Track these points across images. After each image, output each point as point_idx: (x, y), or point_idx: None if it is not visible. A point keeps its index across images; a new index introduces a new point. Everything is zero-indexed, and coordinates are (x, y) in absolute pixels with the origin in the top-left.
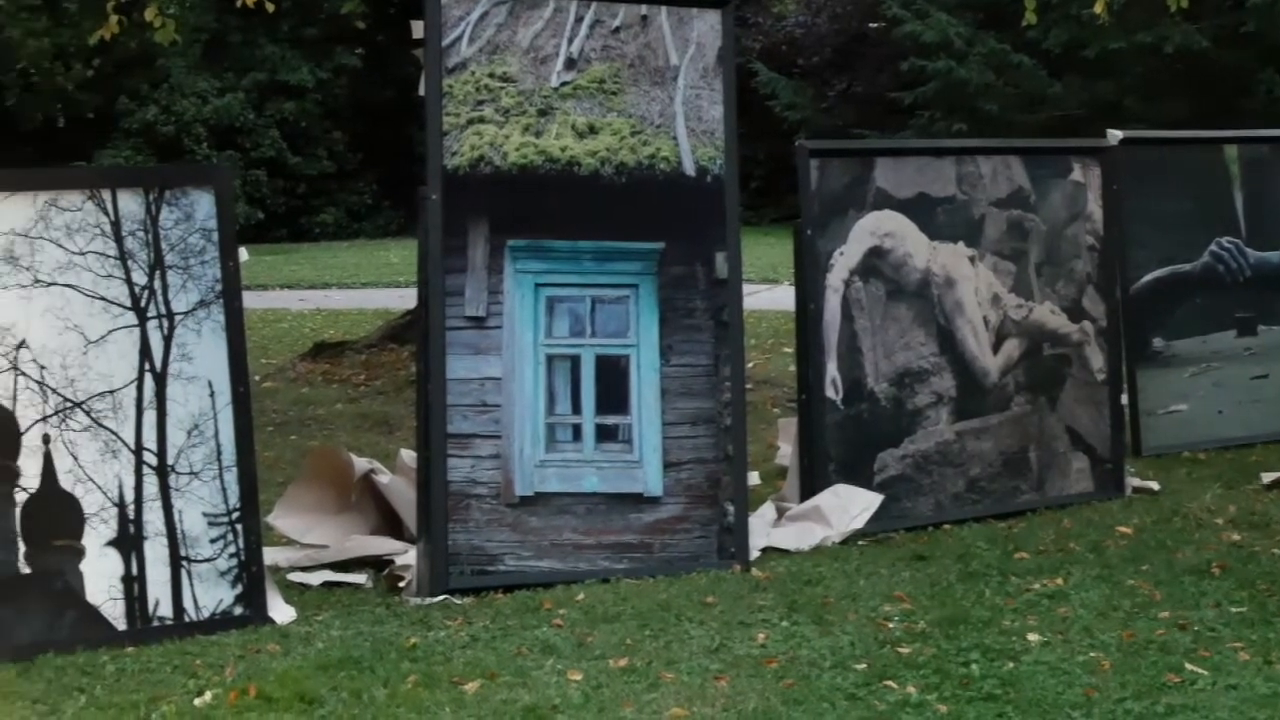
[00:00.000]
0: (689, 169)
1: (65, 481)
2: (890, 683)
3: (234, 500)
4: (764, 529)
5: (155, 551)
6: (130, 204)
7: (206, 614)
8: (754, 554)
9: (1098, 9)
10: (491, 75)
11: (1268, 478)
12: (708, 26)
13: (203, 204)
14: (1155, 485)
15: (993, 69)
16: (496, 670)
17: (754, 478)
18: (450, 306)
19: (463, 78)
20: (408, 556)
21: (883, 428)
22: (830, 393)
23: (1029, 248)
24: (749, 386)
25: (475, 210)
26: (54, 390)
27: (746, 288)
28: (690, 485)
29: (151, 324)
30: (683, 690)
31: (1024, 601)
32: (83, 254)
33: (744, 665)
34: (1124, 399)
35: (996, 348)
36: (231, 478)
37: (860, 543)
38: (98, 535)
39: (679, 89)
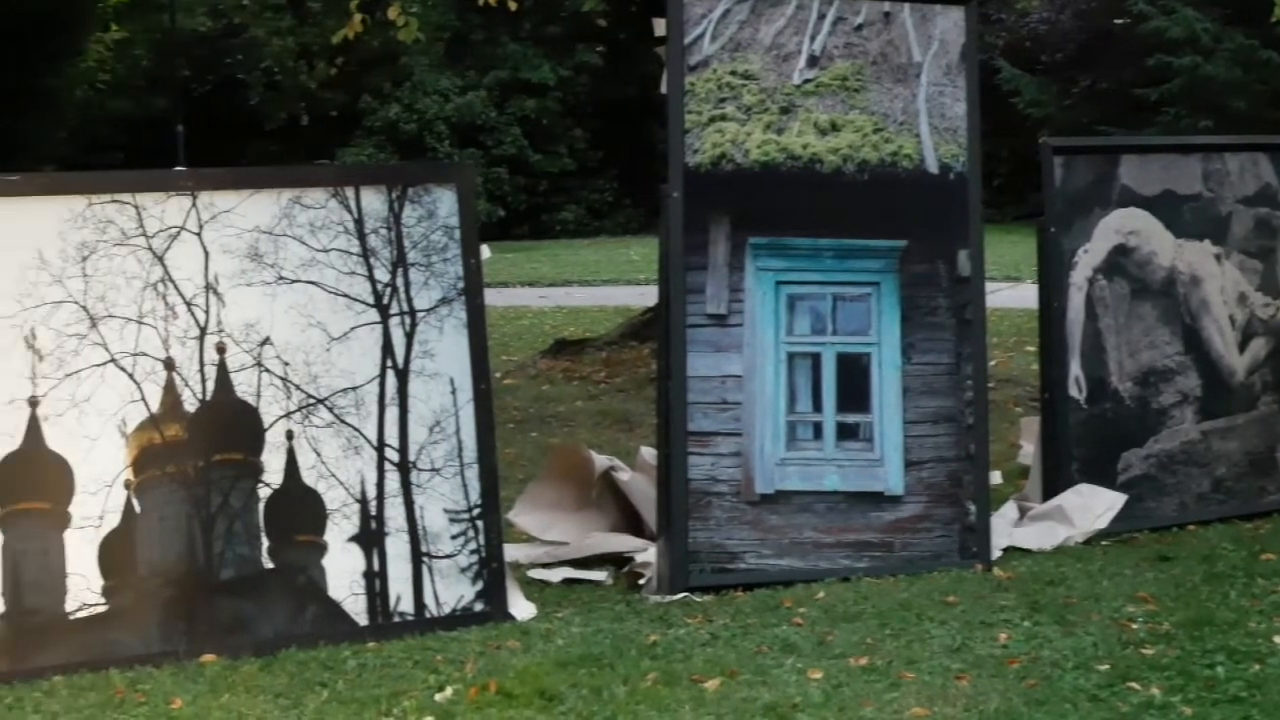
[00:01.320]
0: (932, 166)
1: (308, 477)
2: (1134, 684)
3: (475, 497)
4: (1006, 528)
5: (397, 547)
6: (373, 201)
7: (447, 610)
8: (996, 553)
9: None
10: (733, 73)
11: None
12: (951, 23)
13: (445, 201)
14: None
15: (1240, 65)
16: (736, 668)
17: (996, 477)
18: (691, 304)
19: (704, 75)
20: (648, 554)
21: (1127, 427)
22: (1074, 391)
23: (1277, 246)
24: (991, 385)
25: (716, 208)
26: (297, 387)
27: (989, 285)
28: (932, 484)
29: (394, 321)
30: (924, 690)
31: (1270, 604)
32: (326, 251)
33: (986, 665)
34: None
35: (1243, 346)
36: (473, 474)
37: (1103, 543)
38: (340, 531)
39: (922, 86)
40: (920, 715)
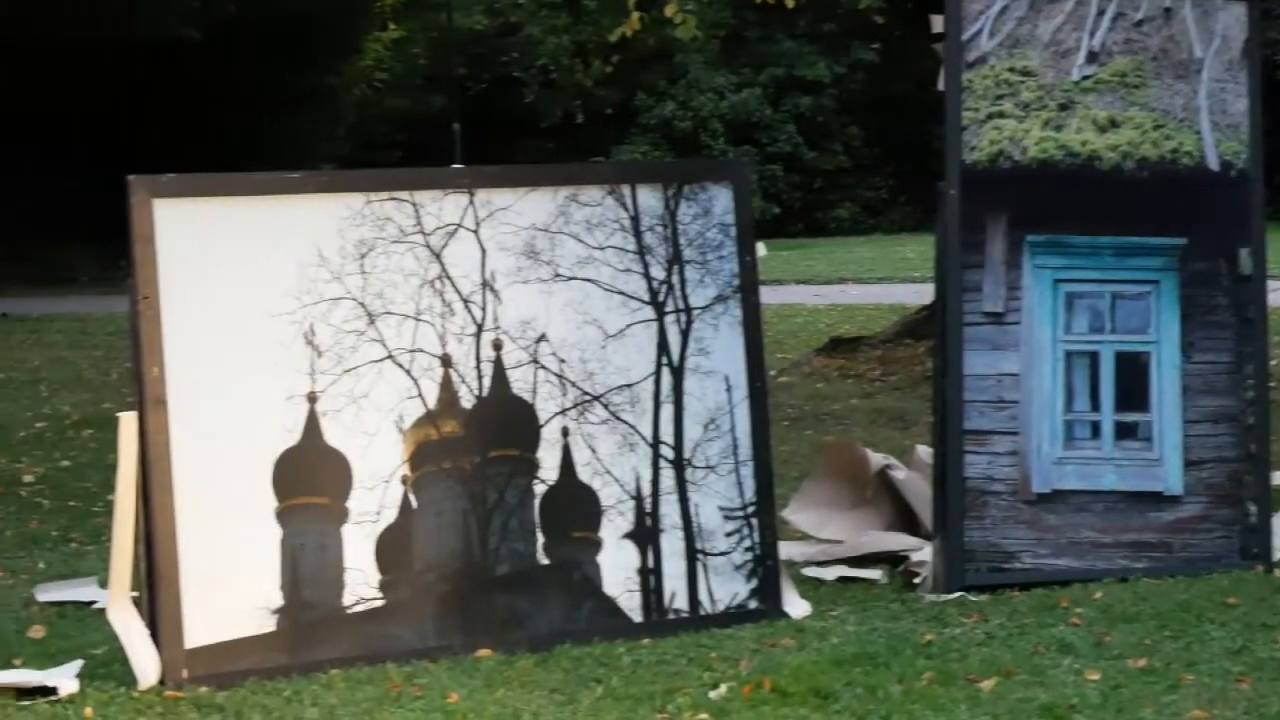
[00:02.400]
0: (1212, 163)
1: (583, 474)
2: None
3: (749, 494)
4: None
5: (671, 544)
6: (649, 199)
7: (721, 607)
8: (1278, 555)
9: None
10: (1011, 69)
11: None
12: (1233, 19)
13: (721, 199)
14: None
15: None
16: (1013, 668)
17: (1278, 477)
18: (968, 302)
19: (982, 72)
20: (923, 553)
21: None
22: None
23: None
24: (1272, 384)
25: (994, 205)
26: (573, 384)
27: (1271, 284)
28: (1212, 484)
29: (669, 318)
30: (1203, 692)
31: None
32: (602, 249)
33: (1267, 668)
34: None
35: None
36: (747, 472)
37: None
38: (615, 528)
39: (1203, 82)
40: (1200, 718)
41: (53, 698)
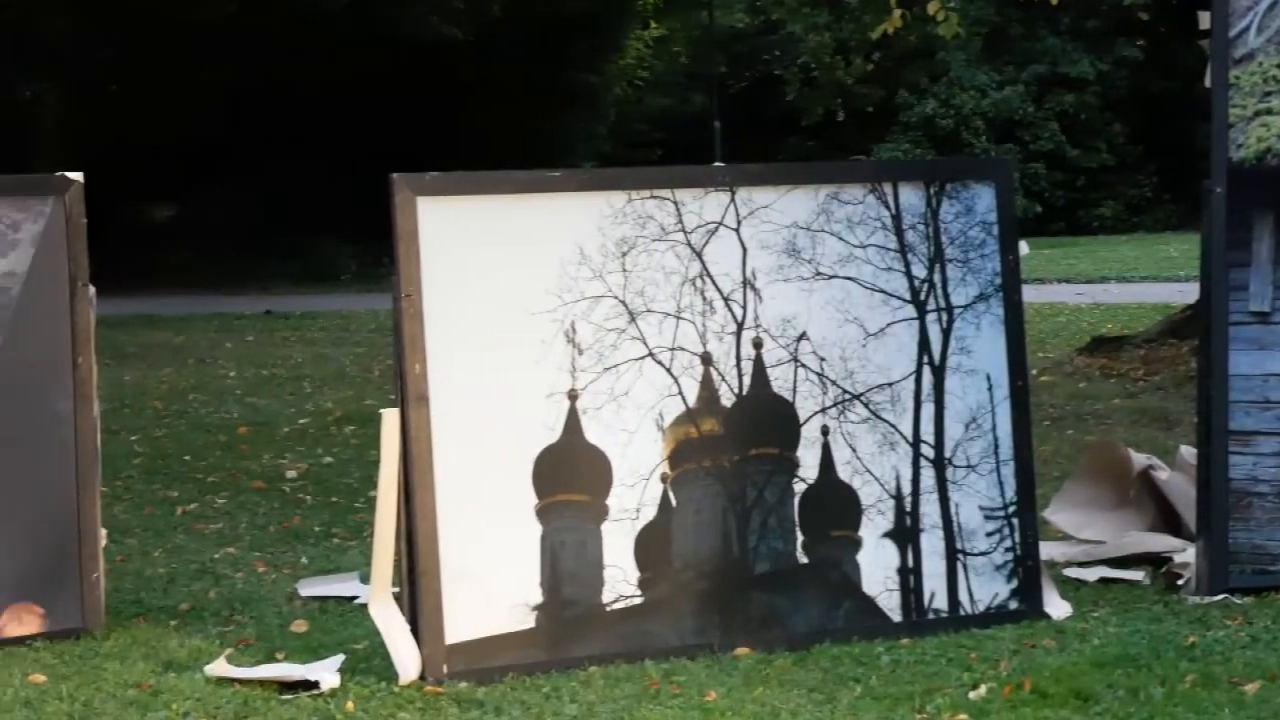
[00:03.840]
0: None
1: (843, 473)
2: None
3: (1010, 494)
4: None
5: (931, 544)
6: (911, 197)
7: (981, 608)
8: None
9: None
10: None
11: None
12: None
13: (983, 197)
14: None
15: None
16: (1277, 671)
17: None
18: (1234, 301)
19: (1249, 69)
20: (1186, 554)
21: None
22: None
23: None
24: None
25: (1261, 203)
26: (833, 382)
27: None
28: None
29: (930, 317)
30: None
31: None
32: (863, 247)
33: None
34: None
35: None
36: (1008, 471)
37: None
38: (875, 527)
39: None
40: None
41: (315, 692)
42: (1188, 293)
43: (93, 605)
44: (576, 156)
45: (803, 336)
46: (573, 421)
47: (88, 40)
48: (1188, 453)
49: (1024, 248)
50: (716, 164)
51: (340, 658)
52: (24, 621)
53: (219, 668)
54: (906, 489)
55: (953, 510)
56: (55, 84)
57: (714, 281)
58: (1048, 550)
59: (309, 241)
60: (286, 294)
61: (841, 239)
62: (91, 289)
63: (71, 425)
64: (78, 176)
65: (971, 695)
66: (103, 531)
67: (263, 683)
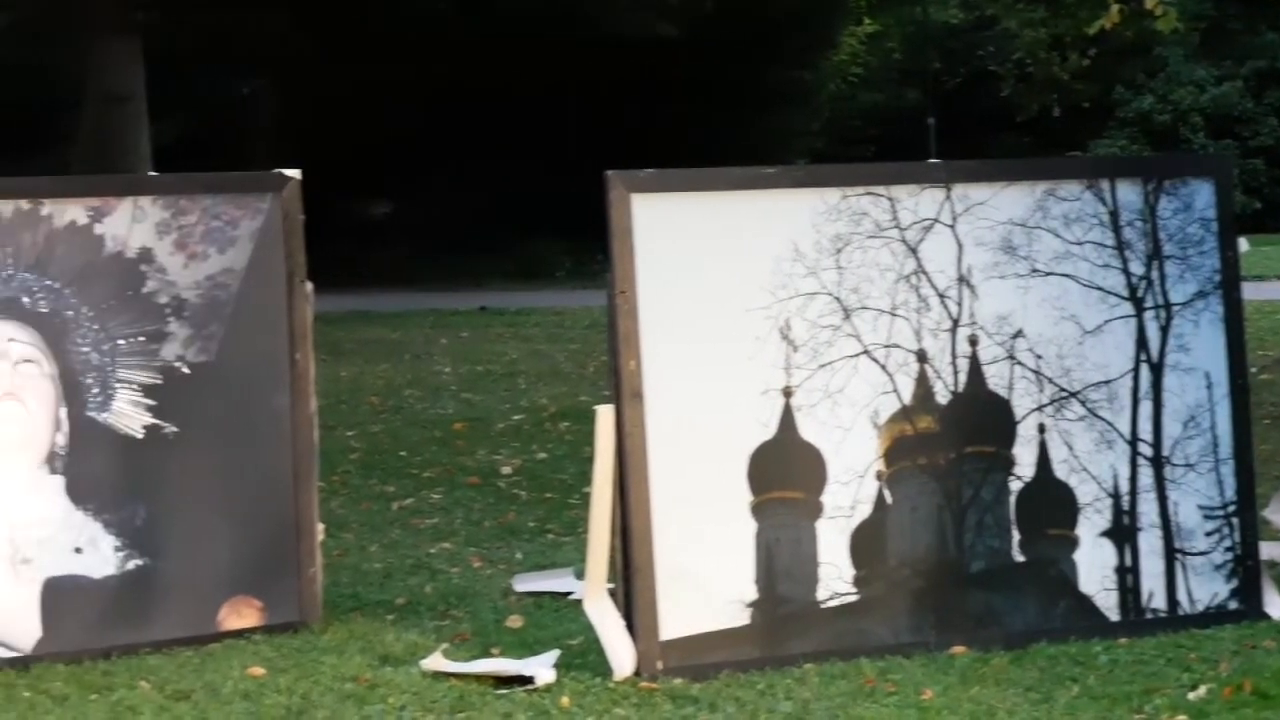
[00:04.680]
0: None
1: (1059, 471)
2: None
3: (1230, 493)
4: None
5: (1149, 543)
6: (1129, 194)
7: (1200, 608)
8: None
9: None
10: None
11: None
12: None
13: (1202, 194)
14: None
15: None
16: None
17: None
18: None
19: None
20: None
21: None
22: None
23: None
24: None
25: None
26: (1050, 380)
27: None
28: None
29: (1148, 314)
30: None
31: None
32: (1080, 244)
33: None
34: None
35: None
36: (1228, 470)
37: None
38: (1091, 525)
39: None
40: None
41: (530, 687)
42: None
43: (310, 599)
44: (789, 153)
45: (1019, 334)
46: (787, 418)
47: (306, 38)
48: None
49: (1243, 245)
50: (931, 160)
51: (555, 653)
52: (243, 615)
53: (435, 662)
54: (1124, 487)
55: (1171, 509)
56: (274, 82)
57: (929, 278)
58: (1268, 550)
59: (524, 238)
60: (501, 290)
61: (1058, 236)
62: (309, 285)
63: (289, 421)
64: (295, 173)
65: (1190, 696)
66: (320, 526)
67: (478, 677)
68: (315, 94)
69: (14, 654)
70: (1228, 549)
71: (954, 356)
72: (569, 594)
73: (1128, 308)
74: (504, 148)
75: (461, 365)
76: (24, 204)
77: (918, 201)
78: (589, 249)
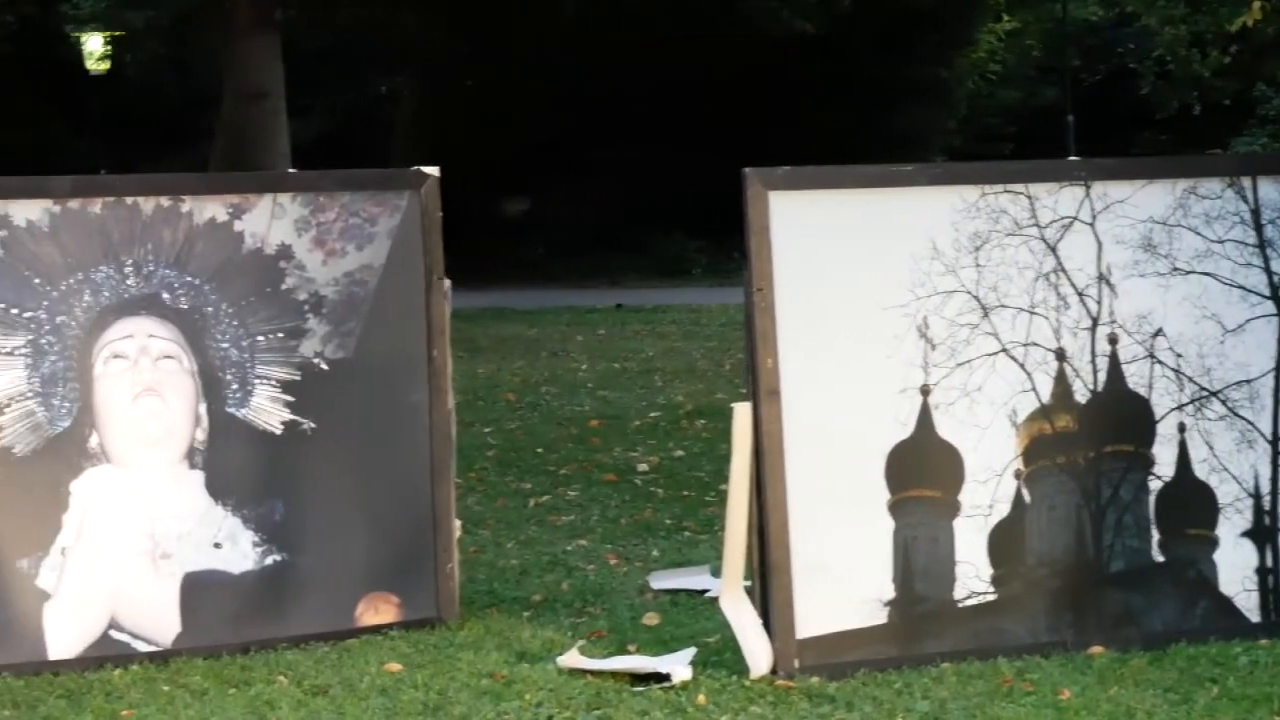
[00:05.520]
0: None
1: (1200, 471)
2: None
3: None
4: None
5: None
6: (1271, 192)
7: None
8: None
9: None
10: None
11: None
12: None
13: None
14: None
15: None
16: None
17: None
18: None
19: None
20: None
21: None
22: None
23: None
24: None
25: None
26: (1190, 379)
27: None
28: None
29: None
30: None
31: None
32: (1220, 242)
33: None
34: None
35: None
36: None
37: None
38: (1232, 526)
39: None
40: None
41: (666, 684)
42: None
43: (447, 595)
44: (927, 150)
45: (1159, 333)
46: (925, 417)
47: (443, 37)
48: None
49: None
50: (1071, 158)
51: (692, 650)
52: (380, 611)
53: (571, 659)
54: (1265, 488)
55: None
56: (412, 80)
57: (1068, 277)
58: None
59: (659, 236)
60: (638, 288)
61: (1199, 234)
62: (447, 282)
63: (426, 417)
64: (433, 171)
65: None
66: (457, 523)
67: (615, 674)
68: (454, 91)
69: (153, 648)
70: None
71: (1093, 355)
72: (705, 591)
73: (1269, 307)
74: (641, 145)
75: (598, 362)
76: (164, 201)
77: (1057, 199)
78: (726, 246)
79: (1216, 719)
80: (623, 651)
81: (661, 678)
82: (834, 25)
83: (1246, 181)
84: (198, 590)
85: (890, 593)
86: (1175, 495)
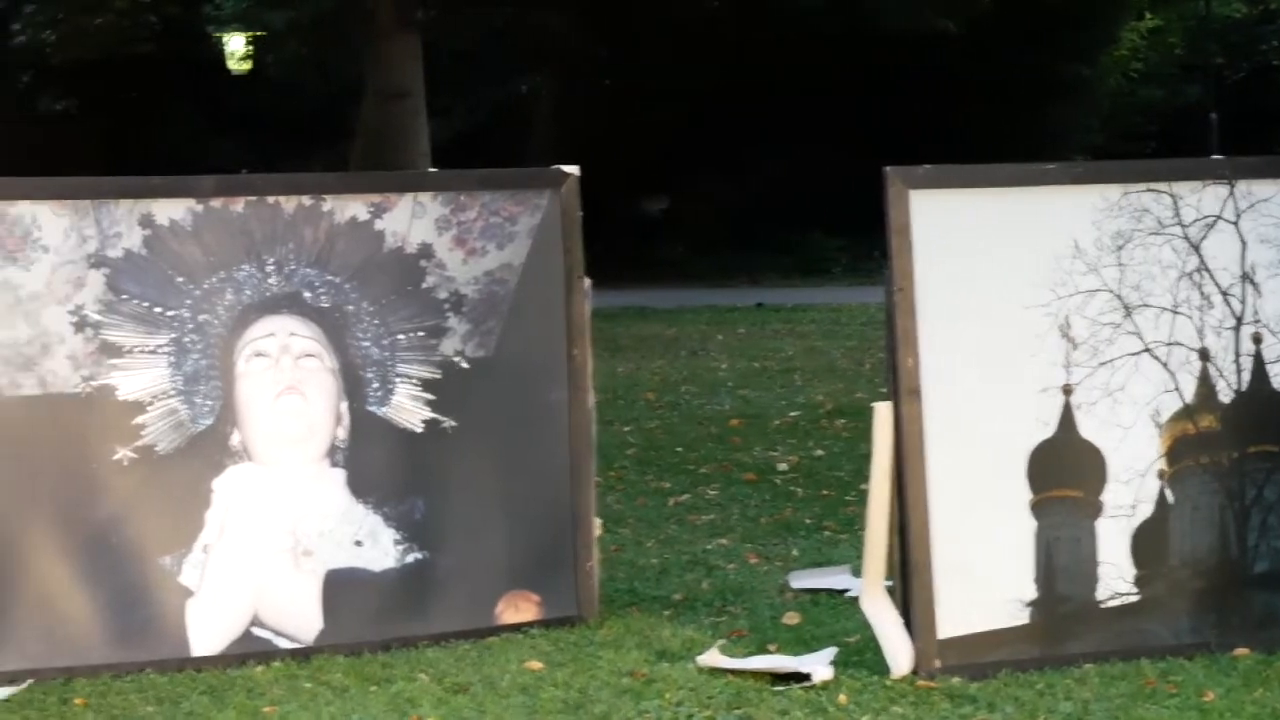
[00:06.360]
0: None
1: None
2: None
3: None
4: None
5: None
6: None
7: None
8: None
9: None
10: None
11: None
12: None
13: None
14: None
15: None
16: None
17: None
18: None
19: None
20: None
21: None
22: None
23: None
24: None
25: None
26: None
27: None
28: None
29: None
30: None
31: None
32: None
33: None
34: None
35: None
36: None
37: None
38: None
39: None
40: None
41: (807, 684)
42: None
43: (587, 594)
44: (1067, 149)
45: None
46: (1067, 417)
47: (584, 36)
48: None
49: None
50: (1214, 157)
51: (832, 650)
52: (520, 609)
53: (711, 658)
54: None
55: None
56: (551, 79)
57: (1212, 276)
58: None
59: (799, 235)
60: (777, 287)
61: None
62: (587, 281)
63: (566, 416)
64: (574, 170)
65: None
66: (597, 521)
67: (755, 674)
68: (593, 91)
69: (295, 645)
70: None
71: (1237, 355)
72: (846, 591)
73: None
74: (780, 144)
75: (738, 361)
76: (306, 200)
77: (1200, 198)
78: (866, 245)
79: None
80: (763, 651)
81: (802, 677)
82: (975, 24)
83: None
84: (339, 588)
85: (1032, 593)
86: None
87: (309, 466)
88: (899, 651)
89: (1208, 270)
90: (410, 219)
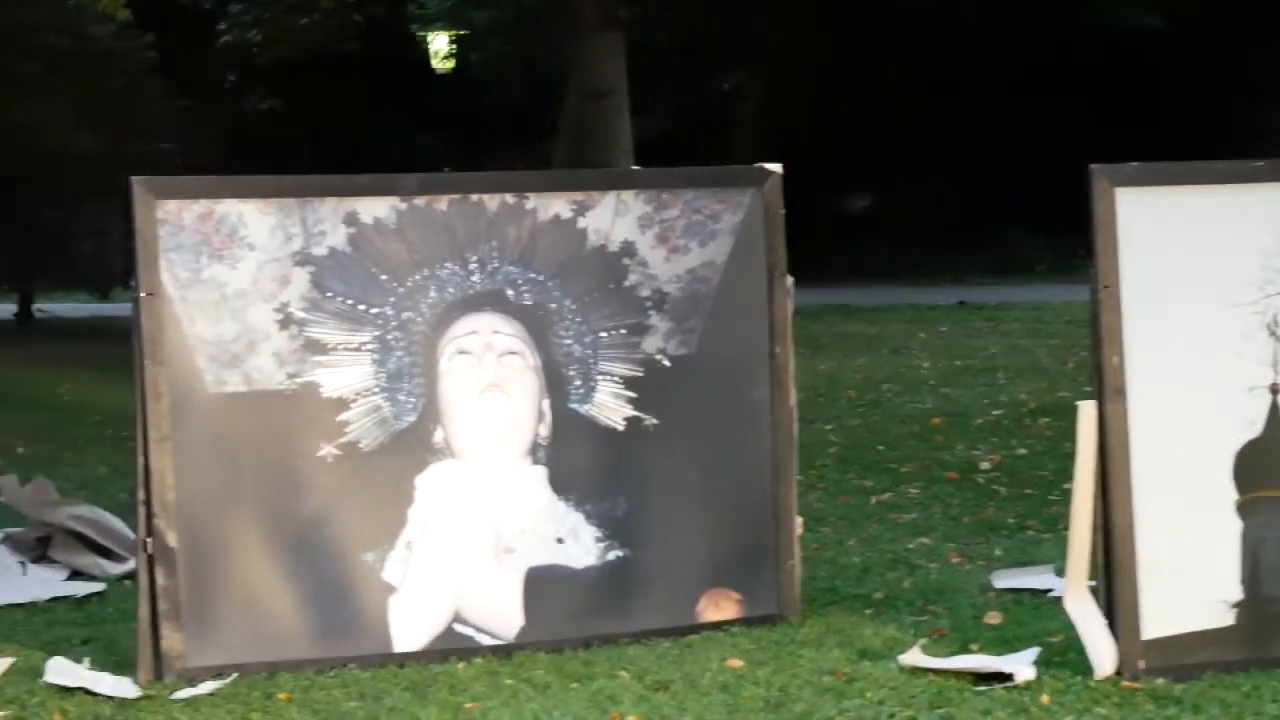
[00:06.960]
0: None
1: None
2: None
3: None
4: None
5: None
6: None
7: None
8: None
9: None
10: None
11: None
12: None
13: None
14: None
15: None
16: None
17: None
18: None
19: None
20: None
21: None
22: None
23: None
24: None
25: None
26: None
27: None
28: None
29: None
30: None
31: None
32: None
33: None
34: None
35: None
36: None
37: None
38: None
39: None
40: None
41: (1009, 684)
42: None
43: (788, 592)
44: (1276, 146)
45: None
46: (1274, 416)
47: (788, 34)
48: None
49: None
50: None
51: (1035, 650)
52: (721, 607)
53: (913, 657)
54: None
55: None
56: (755, 77)
57: None
58: None
59: (1002, 233)
60: (979, 285)
61: None
62: (789, 279)
63: (768, 414)
64: (776, 168)
65: None
66: (798, 519)
67: (957, 673)
68: (796, 89)
69: (497, 641)
70: None
71: None
72: (1049, 591)
73: None
74: (983, 142)
75: (940, 360)
76: (509, 198)
77: None
78: (1068, 243)
79: None
80: (965, 650)
81: (1004, 677)
82: (1183, 20)
83: None
84: (540, 585)
85: (1238, 594)
86: None
87: (511, 464)
88: (1103, 652)
89: None
90: (613, 217)
